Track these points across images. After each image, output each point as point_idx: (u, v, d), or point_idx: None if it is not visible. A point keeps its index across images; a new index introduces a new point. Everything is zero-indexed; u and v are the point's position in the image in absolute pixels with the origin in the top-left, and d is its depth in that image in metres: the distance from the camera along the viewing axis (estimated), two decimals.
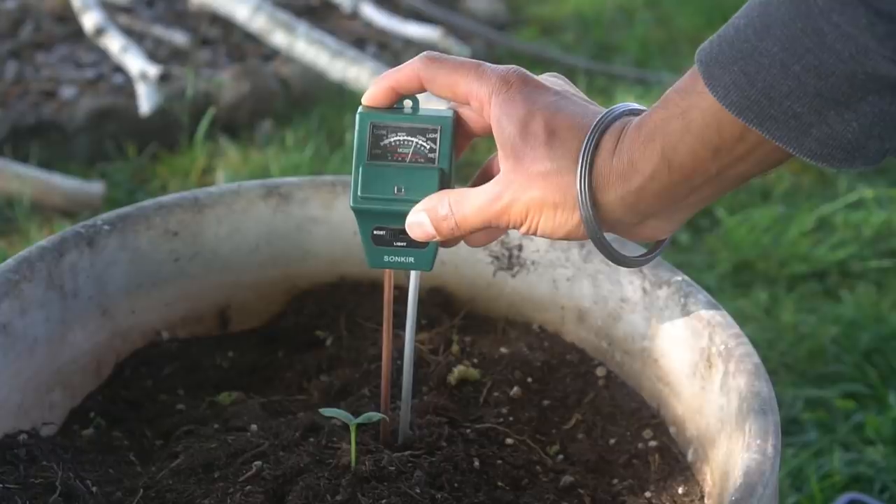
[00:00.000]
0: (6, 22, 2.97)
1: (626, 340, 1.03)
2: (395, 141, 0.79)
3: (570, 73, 2.36)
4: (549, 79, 0.76)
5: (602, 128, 0.71)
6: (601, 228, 0.72)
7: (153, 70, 2.57)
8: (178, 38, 2.96)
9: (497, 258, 1.10)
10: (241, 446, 0.90)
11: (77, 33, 2.92)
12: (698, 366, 0.93)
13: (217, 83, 2.67)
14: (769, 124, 0.62)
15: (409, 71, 0.77)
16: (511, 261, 1.10)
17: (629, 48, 3.21)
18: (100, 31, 2.77)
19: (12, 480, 0.85)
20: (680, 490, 0.91)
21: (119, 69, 2.77)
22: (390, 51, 3.11)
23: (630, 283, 1.01)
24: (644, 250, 0.84)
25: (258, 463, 0.88)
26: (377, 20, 3.22)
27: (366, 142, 0.78)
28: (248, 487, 0.85)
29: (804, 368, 1.92)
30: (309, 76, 2.82)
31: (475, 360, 1.04)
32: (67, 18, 2.99)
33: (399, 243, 0.80)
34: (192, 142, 2.53)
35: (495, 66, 0.75)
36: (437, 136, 0.78)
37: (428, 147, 0.78)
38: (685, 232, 2.36)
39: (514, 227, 0.75)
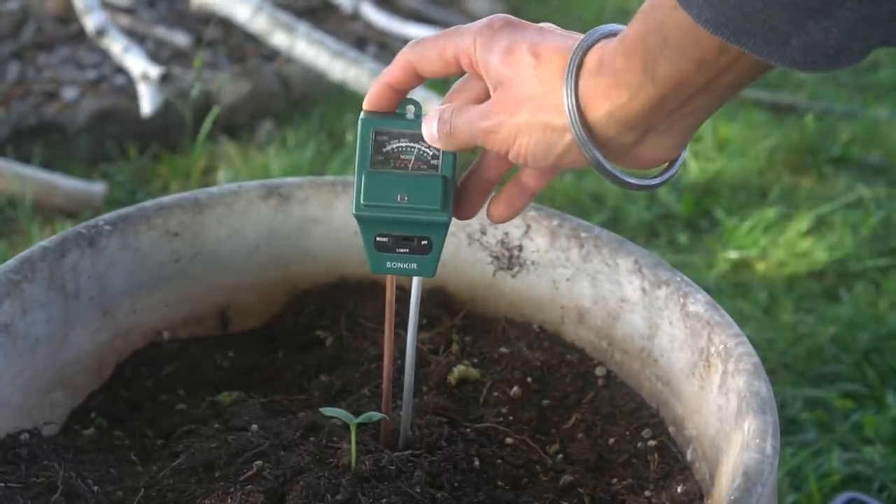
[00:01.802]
0: (8, 23, 2.97)
1: (626, 340, 1.03)
2: (397, 147, 0.78)
3: None
4: (537, 24, 0.77)
5: (585, 47, 0.70)
6: (595, 146, 0.70)
7: (154, 71, 2.57)
8: (180, 39, 2.97)
9: (497, 258, 1.11)
10: (241, 446, 0.91)
11: (79, 34, 2.92)
12: (697, 365, 0.94)
13: (223, 81, 2.67)
14: (746, 39, 0.60)
15: (400, 62, 0.77)
16: (511, 261, 1.10)
17: None
18: (101, 33, 2.77)
19: (14, 480, 0.85)
20: (679, 489, 0.91)
21: (121, 70, 2.77)
22: (390, 51, 3.12)
23: (629, 283, 1.02)
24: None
25: (258, 463, 0.88)
26: (377, 21, 3.23)
27: (368, 148, 0.78)
28: (249, 487, 0.85)
29: (803, 368, 1.92)
30: (309, 77, 2.82)
31: (475, 360, 1.05)
32: (69, 20, 2.99)
33: (402, 249, 0.80)
34: (193, 142, 2.54)
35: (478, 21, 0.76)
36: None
37: (430, 154, 0.78)
38: (685, 232, 2.36)
39: (500, 151, 0.74)
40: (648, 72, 0.66)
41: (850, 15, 0.58)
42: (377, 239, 0.80)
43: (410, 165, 0.78)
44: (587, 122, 0.70)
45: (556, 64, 0.71)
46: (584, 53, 0.70)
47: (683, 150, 0.74)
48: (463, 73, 0.77)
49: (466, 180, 0.81)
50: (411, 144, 0.78)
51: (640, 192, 0.78)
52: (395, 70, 0.77)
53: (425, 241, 0.80)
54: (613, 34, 0.71)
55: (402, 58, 0.77)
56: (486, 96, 0.76)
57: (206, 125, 2.46)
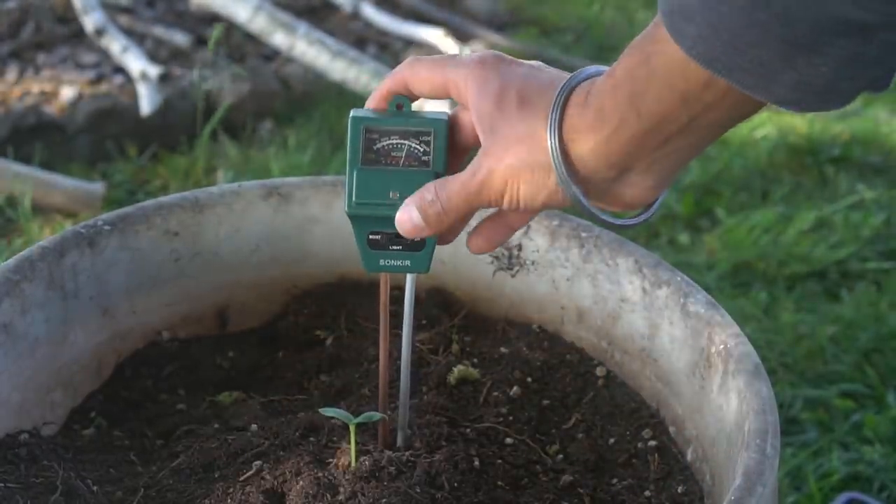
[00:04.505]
0: (7, 22, 2.97)
1: (626, 340, 1.03)
2: (388, 145, 0.78)
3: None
4: (528, 62, 0.77)
5: (571, 85, 0.71)
6: (576, 183, 0.71)
7: (154, 70, 2.57)
8: (179, 38, 2.97)
9: (497, 258, 1.11)
10: (241, 446, 0.90)
11: (78, 34, 2.92)
12: (698, 365, 0.94)
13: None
14: (737, 74, 0.61)
15: (396, 77, 0.78)
16: (511, 261, 1.10)
17: None
18: (100, 32, 2.77)
19: (13, 480, 0.85)
20: (679, 489, 0.91)
21: (120, 70, 2.77)
22: (390, 51, 3.12)
23: (630, 283, 1.02)
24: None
25: (258, 463, 0.88)
26: (377, 20, 3.23)
27: (359, 146, 0.78)
28: (248, 487, 0.85)
29: (803, 368, 1.92)
30: (309, 77, 2.82)
31: (475, 360, 1.04)
32: (68, 19, 2.99)
33: (395, 247, 0.80)
34: (193, 142, 2.54)
35: (472, 53, 0.76)
36: (431, 138, 0.78)
37: (422, 150, 0.78)
38: (685, 232, 2.36)
39: (496, 203, 0.74)
40: (634, 105, 0.67)
41: (839, 52, 0.58)
42: (370, 237, 0.80)
43: (401, 162, 0.78)
44: (569, 158, 0.70)
45: (542, 104, 0.71)
46: (571, 90, 0.71)
47: (662, 193, 0.74)
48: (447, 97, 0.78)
49: None
50: (402, 141, 0.78)
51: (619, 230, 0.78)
52: (391, 84, 0.78)
53: (418, 238, 0.80)
54: (601, 73, 0.71)
55: (398, 73, 0.78)
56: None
57: (214, 121, 2.46)
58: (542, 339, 1.08)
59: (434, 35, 3.08)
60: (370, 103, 0.80)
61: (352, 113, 0.79)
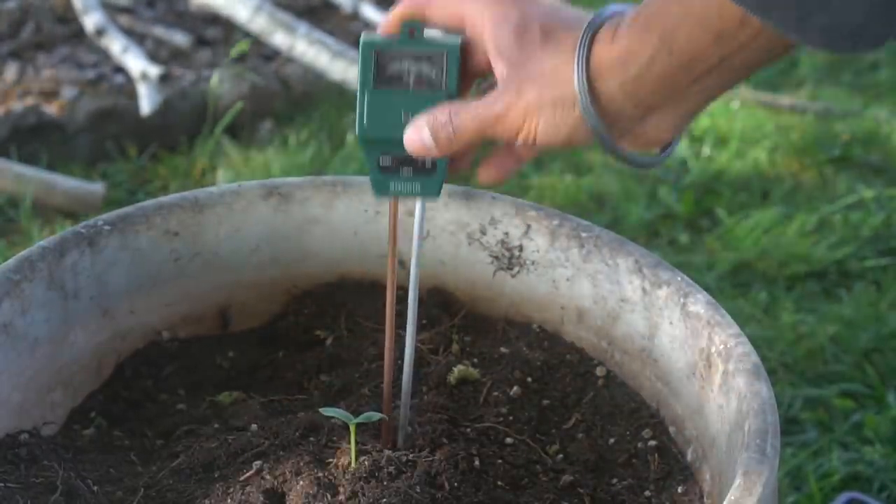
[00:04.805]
0: (7, 22, 2.97)
1: (626, 340, 1.03)
2: (400, 68, 0.77)
3: None
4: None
5: (599, 22, 0.70)
6: (602, 120, 0.70)
7: (154, 70, 2.57)
8: (179, 38, 2.97)
9: (497, 258, 1.11)
10: (241, 446, 0.90)
11: (78, 34, 2.92)
12: (698, 366, 0.94)
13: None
14: (772, 13, 0.61)
15: (413, 2, 0.77)
16: (511, 261, 1.10)
17: None
18: (101, 32, 2.77)
19: (13, 480, 0.85)
20: (679, 490, 0.91)
21: (120, 70, 2.77)
22: None
23: (630, 283, 1.02)
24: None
25: (258, 462, 0.88)
26: (377, 21, 3.22)
27: (370, 70, 0.77)
28: (248, 487, 0.85)
29: (803, 368, 1.92)
30: (309, 77, 2.82)
31: (475, 360, 1.04)
32: (68, 19, 2.99)
33: (406, 170, 0.78)
34: (193, 142, 2.54)
35: None
36: (444, 61, 0.76)
37: (434, 73, 0.76)
38: (685, 232, 2.36)
39: (509, 138, 0.73)
40: (666, 42, 0.66)
41: None
42: (381, 161, 0.78)
43: (413, 84, 0.77)
44: (596, 94, 0.69)
45: (569, 39, 0.70)
46: (598, 27, 0.70)
47: (682, 132, 0.73)
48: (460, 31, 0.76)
49: None
50: (414, 64, 0.77)
51: (639, 169, 0.77)
52: (404, 8, 0.77)
53: (429, 162, 0.78)
54: (627, 11, 0.70)
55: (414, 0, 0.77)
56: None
57: (226, 120, 2.45)
58: (542, 339, 1.08)
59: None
60: (382, 29, 0.78)
61: (362, 37, 0.78)
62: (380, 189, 0.80)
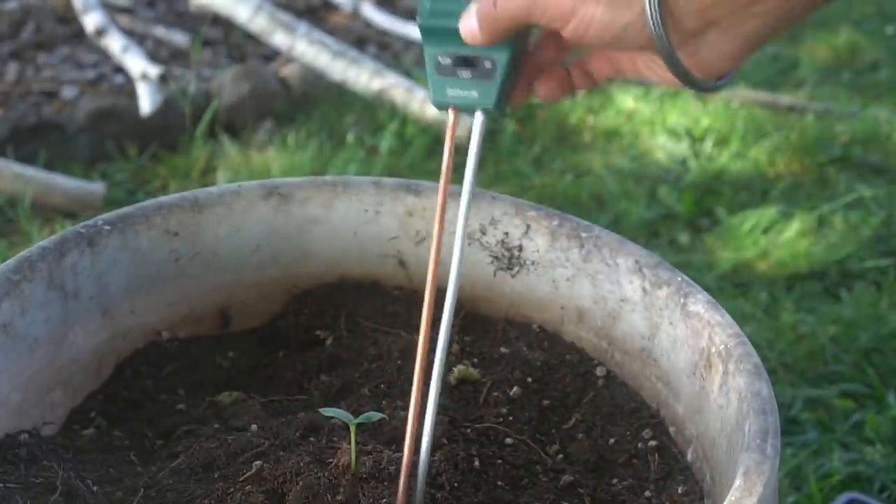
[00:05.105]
0: (7, 23, 2.97)
1: (626, 340, 1.03)
2: None
3: None
4: None
5: None
6: (663, 18, 0.68)
7: (154, 70, 2.57)
8: (179, 38, 2.97)
9: (497, 258, 1.11)
10: (241, 446, 0.90)
11: (78, 34, 2.92)
12: (698, 366, 0.94)
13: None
14: None
15: None
16: (511, 261, 1.10)
17: None
18: (101, 32, 2.77)
19: (13, 480, 0.85)
20: (679, 490, 0.91)
21: (120, 70, 2.77)
22: (390, 51, 3.12)
23: (630, 283, 1.02)
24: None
25: (258, 463, 0.88)
26: (377, 20, 3.23)
27: None
28: (248, 487, 0.85)
29: (803, 368, 1.92)
30: (309, 77, 2.82)
31: (475, 360, 1.04)
32: (68, 19, 2.99)
33: (464, 73, 0.76)
34: (193, 142, 2.54)
35: None
36: None
37: None
38: (685, 232, 2.36)
39: (557, 23, 0.71)
40: None
41: None
42: (440, 61, 0.76)
43: None
44: None
45: None
46: None
47: (737, 64, 0.72)
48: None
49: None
50: None
51: (695, 90, 0.75)
52: None
53: (488, 63, 0.76)
54: None
55: None
56: None
57: (206, 119, 2.46)
58: (542, 339, 1.08)
59: None
60: None
61: None
62: (438, 95, 0.77)
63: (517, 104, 0.80)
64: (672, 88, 0.82)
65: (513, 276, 1.10)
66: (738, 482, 0.77)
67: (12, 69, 2.76)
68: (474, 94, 0.76)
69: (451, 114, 0.79)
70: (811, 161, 2.69)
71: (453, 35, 0.75)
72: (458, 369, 1.02)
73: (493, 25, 0.73)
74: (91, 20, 2.79)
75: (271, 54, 2.97)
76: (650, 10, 0.68)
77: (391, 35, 3.18)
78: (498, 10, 0.72)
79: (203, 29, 3.02)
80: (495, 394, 1.00)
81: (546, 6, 0.70)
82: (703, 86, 0.73)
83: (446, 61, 0.76)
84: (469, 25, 0.74)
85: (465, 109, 0.78)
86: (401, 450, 0.90)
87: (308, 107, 2.77)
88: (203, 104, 2.59)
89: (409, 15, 3.30)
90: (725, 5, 0.68)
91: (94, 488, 0.86)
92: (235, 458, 0.89)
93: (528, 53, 0.79)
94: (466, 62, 0.76)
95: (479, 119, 0.78)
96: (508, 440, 0.95)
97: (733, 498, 0.75)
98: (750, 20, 0.68)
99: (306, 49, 2.80)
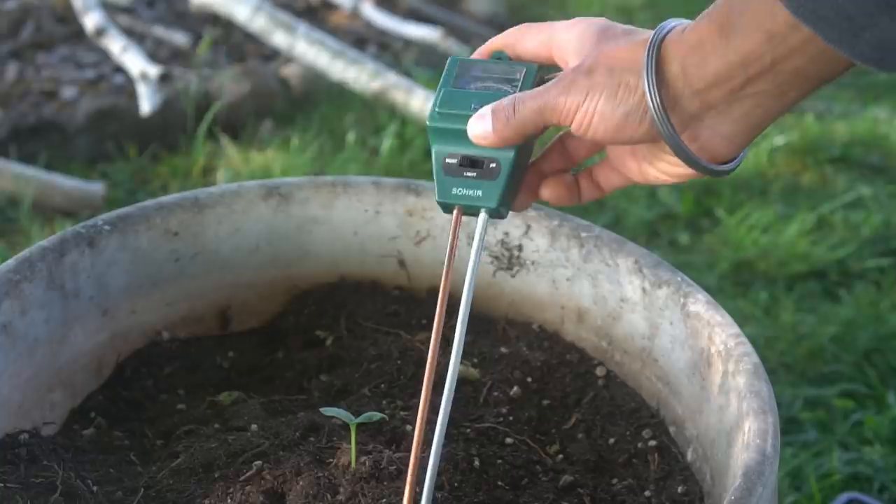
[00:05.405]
0: (7, 22, 2.97)
1: (626, 340, 1.03)
2: (478, 77, 0.79)
3: None
4: None
5: (672, 24, 0.73)
6: (662, 102, 0.71)
7: (153, 70, 2.57)
8: (179, 38, 2.97)
9: (497, 258, 1.11)
10: (241, 446, 0.90)
11: (78, 34, 2.92)
12: (698, 365, 0.94)
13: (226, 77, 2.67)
14: (821, 24, 0.62)
15: (506, 35, 0.81)
16: (511, 261, 1.10)
17: None
18: (100, 32, 2.77)
19: (13, 480, 0.85)
20: (679, 490, 0.91)
21: (120, 69, 2.77)
22: (390, 51, 3.12)
23: (630, 283, 1.02)
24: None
25: (258, 463, 0.88)
26: (377, 20, 3.23)
27: (451, 75, 0.80)
28: (248, 487, 0.85)
29: (803, 368, 1.92)
30: (309, 77, 2.82)
31: (475, 360, 1.04)
32: (68, 19, 2.99)
33: (469, 173, 0.78)
34: (193, 142, 2.54)
35: None
36: (521, 76, 0.78)
37: (509, 83, 0.78)
38: (685, 232, 2.36)
39: (566, 117, 0.74)
40: (724, 35, 0.68)
41: None
42: (446, 161, 0.78)
43: (488, 88, 0.79)
44: (661, 72, 0.71)
45: (645, 34, 0.73)
46: (671, 28, 0.73)
47: (737, 150, 0.74)
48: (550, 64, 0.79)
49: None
50: (492, 76, 0.79)
51: (702, 172, 0.76)
52: (497, 40, 0.82)
53: (493, 164, 0.78)
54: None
55: (508, 33, 0.81)
56: None
57: (207, 119, 2.45)
58: (542, 339, 1.08)
59: (434, 35, 3.08)
60: (474, 55, 0.82)
61: (451, 57, 0.81)
62: (443, 193, 0.79)
63: (520, 209, 0.83)
64: (681, 182, 0.85)
65: (513, 276, 1.10)
66: (737, 482, 0.77)
67: (12, 69, 2.76)
68: (478, 193, 0.78)
69: (455, 212, 0.81)
70: (811, 161, 2.69)
71: (461, 136, 0.77)
72: (458, 369, 1.02)
73: (508, 130, 0.76)
74: (91, 20, 2.79)
75: (271, 54, 2.96)
76: (650, 93, 0.71)
77: (391, 35, 3.18)
78: (516, 115, 0.75)
79: (210, 30, 3.02)
80: (495, 394, 1.00)
81: (556, 105, 0.74)
82: (709, 169, 0.75)
83: (452, 161, 0.79)
84: (483, 129, 0.76)
85: (469, 209, 0.80)
86: (401, 450, 0.90)
87: (308, 107, 2.76)
88: (203, 104, 2.59)
89: (409, 15, 3.30)
90: (720, 87, 0.70)
91: (94, 488, 0.86)
92: (235, 458, 0.89)
93: (532, 159, 0.82)
94: (472, 162, 0.78)
95: (482, 219, 0.80)
96: (508, 440, 0.95)
97: (733, 498, 0.75)
98: (745, 101, 0.70)
99: (306, 49, 2.80)
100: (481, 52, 0.82)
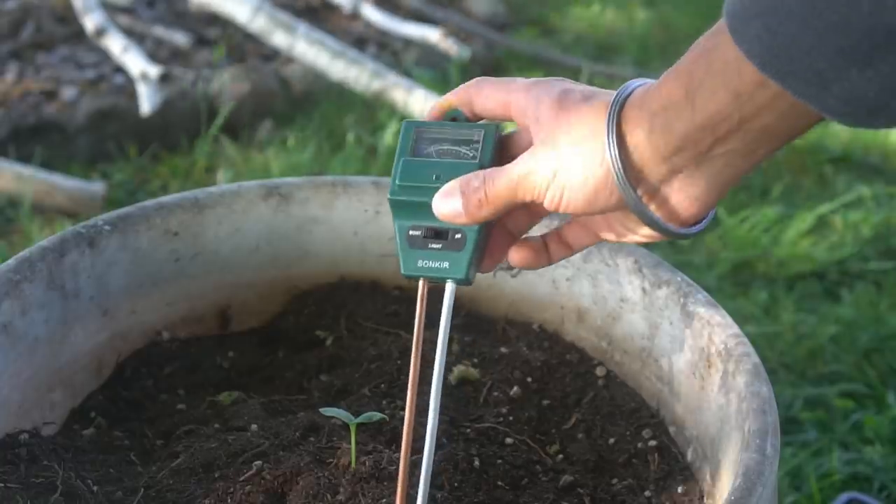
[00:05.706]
0: (7, 22, 2.97)
1: (626, 340, 1.03)
2: (437, 142, 0.78)
3: (570, 74, 2.36)
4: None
5: (634, 86, 0.72)
6: (627, 172, 0.69)
7: (154, 70, 2.57)
8: (179, 38, 2.97)
9: None
10: (241, 446, 0.91)
11: (78, 34, 2.92)
12: (698, 365, 0.94)
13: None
14: (790, 80, 0.61)
15: (461, 92, 0.79)
16: None
17: (629, 49, 3.21)
18: (101, 32, 2.77)
19: (13, 480, 0.85)
20: (679, 489, 0.91)
21: (120, 70, 2.77)
22: (390, 51, 3.12)
23: (629, 283, 1.02)
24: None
25: (258, 463, 0.88)
26: (377, 20, 3.23)
27: (408, 142, 0.78)
28: (248, 487, 0.85)
29: (803, 368, 1.92)
30: (309, 77, 2.82)
31: (475, 360, 1.04)
32: (68, 19, 2.99)
33: (434, 245, 0.77)
34: (193, 142, 2.54)
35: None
36: (480, 140, 0.77)
37: (470, 148, 0.77)
38: None
39: (538, 195, 0.73)
40: (690, 96, 0.67)
41: (890, 69, 0.58)
42: (410, 233, 0.78)
43: (448, 156, 0.78)
44: (625, 144, 0.70)
45: (607, 97, 0.72)
46: (632, 90, 0.71)
47: (707, 210, 0.73)
48: (507, 121, 0.78)
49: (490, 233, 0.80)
50: (452, 144, 0.78)
51: (671, 238, 0.76)
52: (452, 97, 0.80)
53: (459, 235, 0.77)
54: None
55: (463, 88, 0.79)
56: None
57: (217, 121, 2.45)
58: (542, 339, 1.08)
59: (434, 35, 3.08)
60: (427, 115, 0.80)
61: (405, 120, 0.80)
62: (408, 266, 0.78)
63: (486, 271, 0.82)
64: (651, 242, 0.85)
65: (513, 276, 1.10)
66: (737, 482, 0.77)
67: (12, 69, 2.76)
68: (445, 265, 0.78)
69: (420, 284, 0.80)
70: (811, 161, 2.69)
71: (425, 208, 0.76)
72: (458, 369, 1.02)
73: (483, 213, 0.75)
74: (91, 20, 2.79)
75: (271, 54, 2.97)
76: (613, 164, 0.70)
77: (391, 35, 3.18)
78: (488, 199, 0.74)
79: (210, 30, 3.02)
80: (495, 394, 1.00)
81: (527, 183, 0.73)
82: (678, 234, 0.74)
83: (416, 233, 0.78)
84: (452, 209, 0.75)
85: (435, 280, 0.79)
86: (401, 450, 0.90)
87: (308, 107, 2.76)
88: (203, 104, 2.59)
89: (410, 15, 3.30)
90: (688, 150, 0.68)
91: (94, 488, 0.86)
92: (235, 458, 0.89)
93: (497, 223, 0.80)
94: (437, 234, 0.77)
95: (449, 289, 0.78)
96: (508, 440, 0.95)
97: (733, 498, 0.75)
98: (713, 163, 0.69)
99: (306, 49, 2.80)
100: (436, 107, 0.80)
